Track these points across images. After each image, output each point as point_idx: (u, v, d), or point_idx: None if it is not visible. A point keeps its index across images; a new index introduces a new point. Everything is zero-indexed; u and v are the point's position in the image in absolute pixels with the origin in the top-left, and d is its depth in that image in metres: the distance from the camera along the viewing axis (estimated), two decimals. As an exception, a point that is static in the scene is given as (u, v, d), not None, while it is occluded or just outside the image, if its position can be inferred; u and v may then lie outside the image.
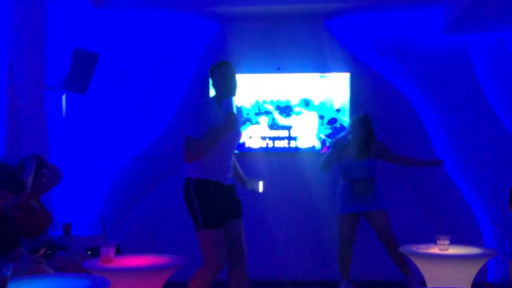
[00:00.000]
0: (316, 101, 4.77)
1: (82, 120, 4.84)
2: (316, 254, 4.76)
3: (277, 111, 4.80)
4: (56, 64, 4.29)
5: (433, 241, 3.22)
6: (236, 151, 3.11)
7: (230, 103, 2.76)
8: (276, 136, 4.81)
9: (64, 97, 4.64)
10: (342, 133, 3.94)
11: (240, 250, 2.84)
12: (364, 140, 3.86)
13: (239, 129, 2.94)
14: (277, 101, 4.79)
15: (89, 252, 3.54)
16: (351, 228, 3.85)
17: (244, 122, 3.47)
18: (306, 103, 4.78)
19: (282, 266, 4.77)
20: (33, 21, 3.98)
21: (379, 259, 4.44)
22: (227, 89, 2.81)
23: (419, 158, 4.02)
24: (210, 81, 2.96)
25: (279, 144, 4.80)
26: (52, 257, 3.00)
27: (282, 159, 4.82)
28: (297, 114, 4.78)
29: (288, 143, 4.80)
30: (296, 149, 4.79)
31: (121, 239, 4.18)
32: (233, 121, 2.72)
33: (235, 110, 2.79)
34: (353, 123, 3.94)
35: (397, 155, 3.97)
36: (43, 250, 2.63)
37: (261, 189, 3.02)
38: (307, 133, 4.78)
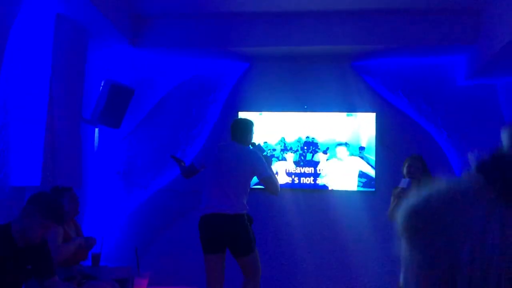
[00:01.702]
0: (342, 140, 4.83)
1: (112, 152, 4.97)
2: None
3: (304, 148, 4.87)
4: (93, 99, 4.45)
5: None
6: (262, 187, 3.61)
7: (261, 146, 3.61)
8: (302, 172, 4.85)
9: (97, 130, 4.78)
10: (405, 181, 3.63)
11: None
12: (423, 181, 3.69)
13: None
14: (306, 137, 4.86)
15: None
16: None
17: None
18: (336, 143, 4.83)
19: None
20: (73, 57, 4.16)
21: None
22: None
23: None
24: (248, 130, 3.54)
25: (304, 180, 4.84)
26: (84, 286, 3.04)
27: (308, 196, 4.84)
28: (323, 152, 4.84)
29: (314, 180, 4.83)
30: (323, 186, 4.82)
31: (146, 269, 4.21)
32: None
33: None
34: (411, 164, 3.70)
35: None
36: (77, 280, 2.69)
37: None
38: (334, 172, 4.82)
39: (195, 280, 4.47)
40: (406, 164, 3.71)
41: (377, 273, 4.69)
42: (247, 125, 3.52)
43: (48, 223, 2.44)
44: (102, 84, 4.46)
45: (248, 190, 3.40)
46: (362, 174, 4.78)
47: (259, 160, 3.37)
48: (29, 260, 2.58)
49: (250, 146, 3.53)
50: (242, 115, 4.89)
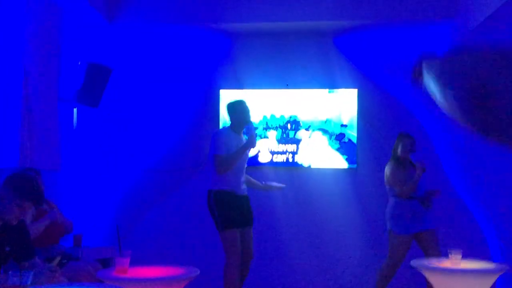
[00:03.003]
0: (324, 117, 4.82)
1: (93, 133, 4.89)
2: (322, 266, 4.76)
3: (286, 126, 4.86)
4: (70, 77, 4.36)
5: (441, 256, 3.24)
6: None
7: (253, 128, 3.52)
8: (285, 150, 4.85)
9: (75, 109, 4.69)
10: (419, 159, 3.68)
11: (248, 253, 3.53)
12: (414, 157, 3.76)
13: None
14: (290, 116, 4.84)
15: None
16: (407, 250, 3.69)
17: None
18: (316, 123, 4.83)
19: (288, 278, 4.76)
20: (47, 34, 4.05)
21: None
22: (248, 118, 3.58)
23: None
24: (228, 112, 3.63)
25: (287, 158, 4.84)
26: (65, 267, 3.01)
27: (290, 173, 4.84)
28: (306, 129, 4.83)
29: (296, 158, 4.83)
30: (305, 163, 4.83)
31: (128, 249, 4.18)
32: (255, 141, 3.48)
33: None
34: (406, 142, 3.77)
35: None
36: (58, 259, 2.65)
37: (279, 185, 3.75)
38: (315, 149, 4.82)
39: (177, 259, 4.47)
40: (403, 143, 3.74)
41: (360, 248, 4.75)
42: (227, 108, 3.65)
43: (24, 204, 2.39)
44: (79, 63, 4.36)
45: None
46: (343, 152, 4.80)
47: (212, 140, 3.48)
48: (7, 242, 2.53)
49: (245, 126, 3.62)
50: (223, 93, 4.85)
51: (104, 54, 4.71)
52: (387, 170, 3.79)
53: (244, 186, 3.58)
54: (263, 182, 3.76)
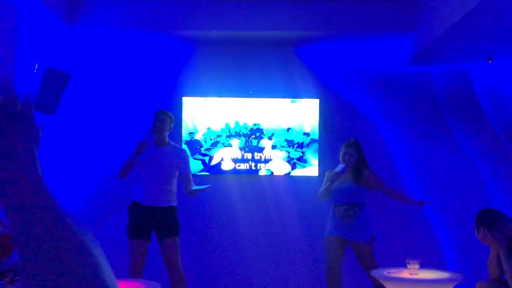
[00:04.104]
0: (286, 125, 4.86)
1: (51, 140, 4.72)
2: (286, 272, 4.79)
3: (249, 134, 4.86)
4: (25, 83, 4.19)
5: (398, 264, 3.32)
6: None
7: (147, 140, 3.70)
8: (247, 158, 4.85)
9: (31, 115, 4.52)
10: (340, 166, 3.77)
11: (170, 262, 3.67)
12: (355, 165, 3.84)
13: (161, 163, 3.67)
14: (253, 124, 4.85)
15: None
16: (336, 251, 3.77)
17: (180, 161, 3.83)
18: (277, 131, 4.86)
19: (248, 286, 4.76)
20: (2, 38, 3.89)
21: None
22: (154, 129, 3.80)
23: (405, 195, 4.05)
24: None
25: (250, 166, 4.84)
26: (17, 283, 2.89)
27: (253, 181, 4.85)
28: (269, 138, 4.85)
29: (259, 166, 4.84)
30: (267, 171, 4.84)
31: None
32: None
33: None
34: (346, 152, 3.86)
35: (383, 185, 3.90)
36: (9, 276, 2.55)
37: (201, 187, 3.80)
38: (277, 157, 4.85)
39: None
40: (342, 152, 3.87)
41: (322, 253, 4.80)
42: None
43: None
44: (35, 68, 4.20)
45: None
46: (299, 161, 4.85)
47: None
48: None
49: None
50: (186, 100, 4.81)
51: (63, 59, 4.57)
52: None
53: (163, 197, 3.60)
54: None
